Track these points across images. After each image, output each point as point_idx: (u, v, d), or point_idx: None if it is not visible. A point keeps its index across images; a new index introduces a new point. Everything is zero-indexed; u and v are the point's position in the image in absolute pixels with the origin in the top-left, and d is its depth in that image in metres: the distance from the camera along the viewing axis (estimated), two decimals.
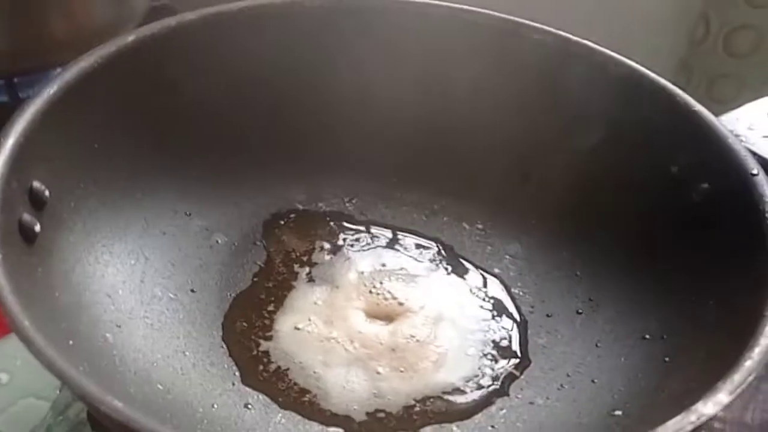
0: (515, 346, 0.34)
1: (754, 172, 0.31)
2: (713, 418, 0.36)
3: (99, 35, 0.43)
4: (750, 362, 0.22)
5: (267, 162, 0.39)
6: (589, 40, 0.38)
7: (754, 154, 0.33)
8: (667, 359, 0.30)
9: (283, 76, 0.39)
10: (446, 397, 0.31)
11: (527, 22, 0.39)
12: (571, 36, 0.39)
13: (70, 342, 0.26)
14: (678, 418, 0.21)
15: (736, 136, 0.34)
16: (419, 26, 0.40)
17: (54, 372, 0.21)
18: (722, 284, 0.29)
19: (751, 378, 0.22)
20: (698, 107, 0.34)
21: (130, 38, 0.36)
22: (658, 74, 0.36)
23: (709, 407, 0.21)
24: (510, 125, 0.39)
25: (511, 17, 0.40)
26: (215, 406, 0.30)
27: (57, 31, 0.47)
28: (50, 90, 0.31)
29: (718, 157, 0.32)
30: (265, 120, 0.39)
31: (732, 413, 0.37)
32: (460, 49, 0.40)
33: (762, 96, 0.42)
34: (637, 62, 0.37)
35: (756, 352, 0.23)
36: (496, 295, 0.36)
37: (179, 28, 0.37)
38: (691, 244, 0.32)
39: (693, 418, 0.21)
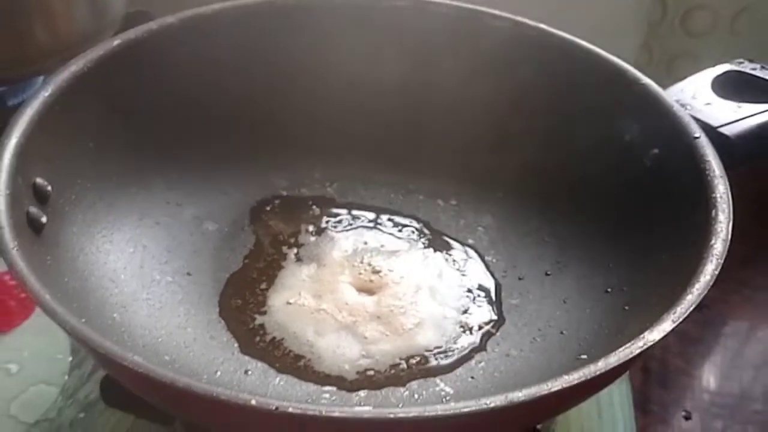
0: (491, 307, 0.37)
1: (696, 135, 0.34)
2: (700, 390, 0.39)
3: (80, 44, 0.45)
4: (691, 296, 0.25)
5: (251, 153, 0.42)
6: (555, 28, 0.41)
7: (697, 120, 0.35)
8: (626, 307, 0.33)
9: (261, 71, 0.42)
10: (429, 354, 0.34)
11: (487, 9, 0.42)
12: (528, 21, 0.42)
13: (83, 320, 0.28)
14: (628, 344, 0.24)
15: (682, 105, 0.37)
16: (390, 19, 0.42)
17: (77, 335, 0.23)
18: (672, 238, 0.32)
19: (691, 308, 0.25)
20: (646, 80, 0.37)
21: (116, 42, 0.38)
22: (614, 54, 0.39)
23: (654, 334, 0.24)
24: (476, 107, 0.42)
25: (472, 6, 0.43)
26: (218, 373, 0.32)
27: (40, 41, 0.49)
28: (45, 93, 0.34)
29: (665, 125, 0.35)
30: (248, 113, 0.42)
31: (716, 384, 0.40)
32: (427, 37, 0.42)
33: None
34: (595, 44, 0.40)
35: (696, 287, 0.26)
36: (471, 264, 0.39)
37: (160, 30, 0.39)
38: (645, 205, 0.35)
39: (640, 344, 0.24)
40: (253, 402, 0.20)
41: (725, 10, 0.72)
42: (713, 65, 0.42)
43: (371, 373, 0.33)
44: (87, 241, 0.34)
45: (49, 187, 0.32)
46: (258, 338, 0.34)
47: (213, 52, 0.41)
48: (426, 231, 0.41)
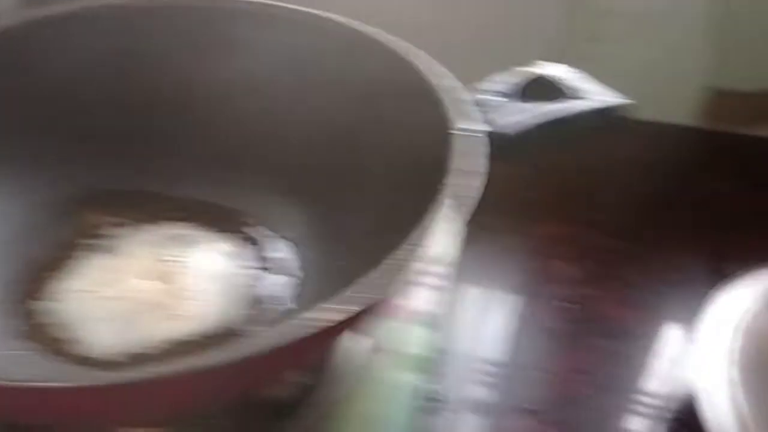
0: (281, 297, 0.38)
1: (468, 131, 0.35)
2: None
3: None
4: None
5: (76, 149, 0.42)
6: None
7: (486, 119, 0.37)
8: None
9: (87, 74, 0.43)
10: (205, 339, 0.35)
11: (325, 14, 0.43)
12: (363, 28, 0.42)
13: None
14: (292, 322, 0.25)
15: (478, 102, 0.38)
16: (216, 23, 0.44)
17: None
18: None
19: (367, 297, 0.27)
20: (428, 76, 0.38)
21: None
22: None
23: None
24: (299, 111, 0.43)
25: (313, 11, 0.44)
26: None
27: None
28: None
29: (443, 122, 0.36)
30: (74, 111, 0.43)
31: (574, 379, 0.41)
32: (260, 43, 0.43)
33: None
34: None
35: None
36: (277, 256, 0.40)
37: None
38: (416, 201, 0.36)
39: (303, 323, 0.25)
40: None
41: (636, 17, 0.72)
42: (624, 72, 0.43)
43: (145, 357, 0.34)
44: None
45: None
46: (39, 322, 0.35)
47: (42, 54, 0.42)
48: (241, 224, 0.42)
